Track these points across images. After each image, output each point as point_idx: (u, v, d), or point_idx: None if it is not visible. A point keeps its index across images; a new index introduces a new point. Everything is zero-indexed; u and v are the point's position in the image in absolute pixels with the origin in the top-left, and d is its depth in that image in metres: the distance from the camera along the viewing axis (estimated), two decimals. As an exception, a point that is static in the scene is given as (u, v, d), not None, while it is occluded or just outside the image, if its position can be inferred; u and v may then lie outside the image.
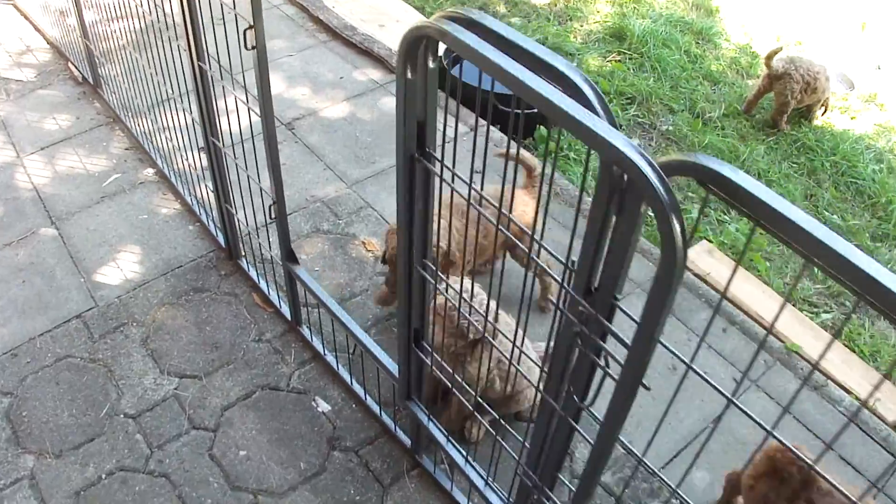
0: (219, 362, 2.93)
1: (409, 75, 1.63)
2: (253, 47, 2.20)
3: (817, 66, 4.77)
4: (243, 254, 3.28)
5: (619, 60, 5.09)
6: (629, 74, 4.95)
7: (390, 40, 4.61)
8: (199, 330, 3.03)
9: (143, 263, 3.29)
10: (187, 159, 3.37)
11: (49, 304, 3.11)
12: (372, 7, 4.94)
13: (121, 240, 3.39)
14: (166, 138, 3.41)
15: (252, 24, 2.15)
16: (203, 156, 3.76)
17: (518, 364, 1.93)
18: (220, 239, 3.32)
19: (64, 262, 3.28)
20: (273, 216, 2.61)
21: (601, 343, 1.50)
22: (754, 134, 4.75)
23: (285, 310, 3.05)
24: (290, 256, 2.75)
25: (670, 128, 4.61)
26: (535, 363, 2.21)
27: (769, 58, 4.67)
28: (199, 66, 2.62)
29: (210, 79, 2.65)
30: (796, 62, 4.69)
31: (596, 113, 1.30)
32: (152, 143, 3.76)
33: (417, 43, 1.57)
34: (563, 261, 1.54)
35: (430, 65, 1.66)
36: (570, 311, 1.58)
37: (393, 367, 2.45)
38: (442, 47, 1.54)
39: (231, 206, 3.03)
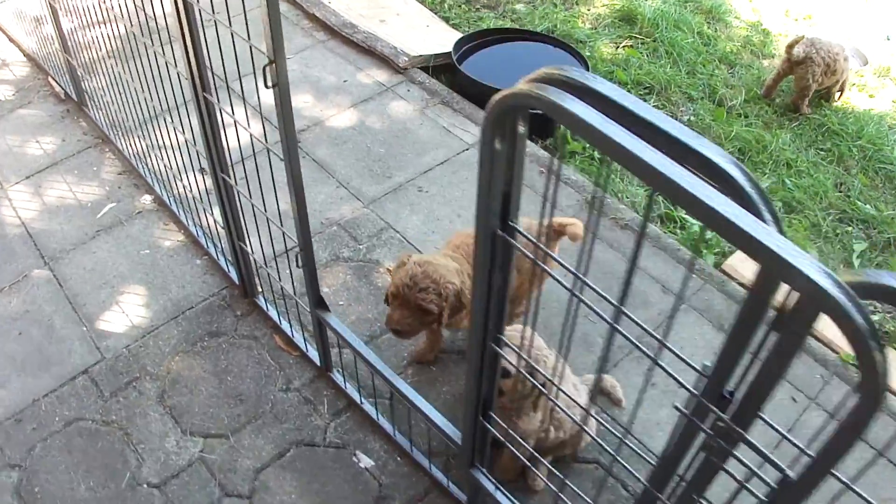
0: (245, 417, 2.69)
1: (497, 146, 1.39)
2: (274, 85, 1.93)
3: (836, 47, 4.57)
4: (260, 290, 3.02)
5: (632, 46, 4.83)
6: (644, 62, 4.70)
7: (394, 37, 4.30)
8: (219, 381, 2.79)
9: (150, 306, 3.02)
10: (187, 183, 3.08)
11: (51, 358, 2.84)
12: (370, 0, 4.61)
13: (122, 280, 3.11)
14: (162, 159, 3.13)
15: (273, 58, 1.88)
16: (205, 179, 3.48)
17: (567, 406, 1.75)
18: (233, 275, 3.06)
19: (62, 309, 3.00)
20: (300, 264, 2.36)
21: (750, 467, 1.29)
22: (777, 120, 4.54)
23: (313, 354, 2.82)
24: (320, 303, 2.50)
25: (692, 118, 4.38)
26: (584, 409, 2.02)
27: (790, 47, 4.47)
28: (205, 97, 2.34)
29: (219, 112, 2.37)
30: (816, 45, 4.48)
31: (762, 218, 1.07)
32: (147, 165, 3.47)
33: (510, 112, 1.33)
34: (695, 366, 1.32)
35: (521, 129, 1.42)
36: (695, 416, 1.37)
37: (448, 428, 2.23)
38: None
39: (245, 244, 2.77)
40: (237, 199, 2.65)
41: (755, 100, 4.63)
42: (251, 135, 2.24)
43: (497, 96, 1.28)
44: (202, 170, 3.51)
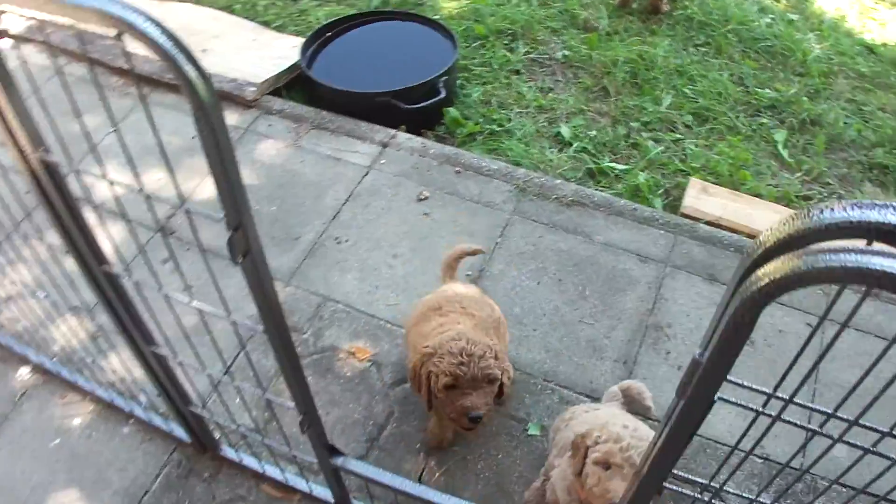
0: None
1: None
2: (245, 255, 1.37)
3: (670, -63, 4.42)
4: (218, 437, 2.47)
5: (474, -7, 4.42)
6: (492, 6, 4.31)
7: (225, 66, 3.62)
8: (225, 570, 2.26)
9: (95, 511, 2.39)
10: (64, 333, 2.39)
11: None
12: (178, 28, 3.85)
13: (43, 491, 2.43)
14: (15, 313, 2.44)
15: (239, 223, 1.32)
16: (84, 319, 2.81)
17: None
18: (178, 432, 2.47)
19: (-17, 563, 2.31)
20: (305, 430, 1.86)
21: None
22: (645, 27, 4.34)
23: (318, 490, 2.34)
24: (333, 451, 2.03)
25: (567, 52, 4.08)
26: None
27: None
28: (105, 271, 1.74)
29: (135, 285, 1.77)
30: (652, -57, 4.30)
31: None
32: (2, 327, 2.72)
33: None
34: None
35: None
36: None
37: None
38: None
39: (197, 406, 2.20)
40: (171, 365, 2.06)
41: (616, 14, 4.40)
42: (200, 313, 1.69)
43: (768, 279, 0.83)
44: (76, 307, 2.82)
